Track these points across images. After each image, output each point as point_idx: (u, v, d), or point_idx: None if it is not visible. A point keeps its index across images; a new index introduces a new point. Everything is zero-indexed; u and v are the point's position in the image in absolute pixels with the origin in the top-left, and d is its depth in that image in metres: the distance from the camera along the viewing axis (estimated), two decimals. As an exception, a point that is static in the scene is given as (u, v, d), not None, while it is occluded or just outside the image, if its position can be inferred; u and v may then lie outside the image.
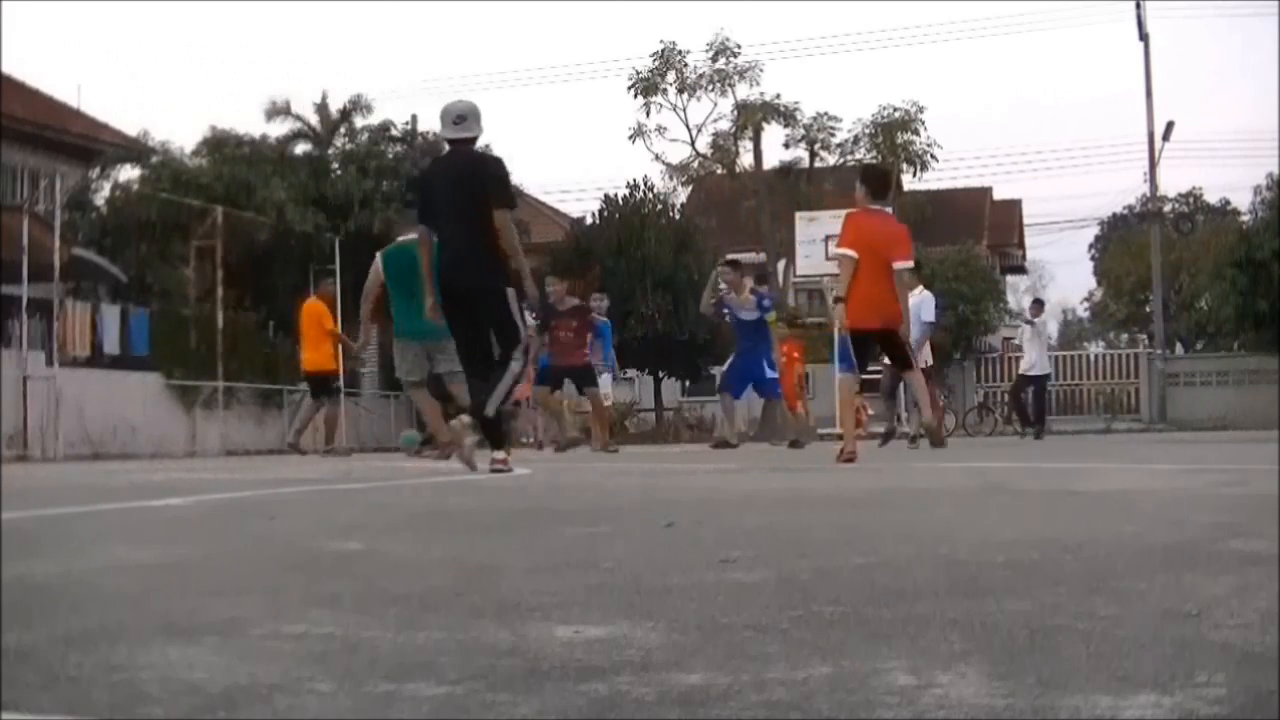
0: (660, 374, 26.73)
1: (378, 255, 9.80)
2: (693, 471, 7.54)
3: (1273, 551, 2.29)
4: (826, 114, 29.17)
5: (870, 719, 1.15)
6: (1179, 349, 33.68)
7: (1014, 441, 16.78)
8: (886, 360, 10.67)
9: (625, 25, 73.37)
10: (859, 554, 2.51)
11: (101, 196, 24.59)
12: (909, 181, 31.26)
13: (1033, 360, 17.14)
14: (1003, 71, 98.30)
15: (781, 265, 28.86)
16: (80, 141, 24.52)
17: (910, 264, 8.57)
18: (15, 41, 66.95)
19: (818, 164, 29.71)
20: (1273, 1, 32.82)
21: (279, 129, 27.77)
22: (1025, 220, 43.92)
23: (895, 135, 28.73)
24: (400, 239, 9.53)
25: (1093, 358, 33.14)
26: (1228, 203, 44.21)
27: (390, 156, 26.31)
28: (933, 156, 28.93)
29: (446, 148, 7.43)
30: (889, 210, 8.93)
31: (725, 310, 13.37)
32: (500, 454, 6.99)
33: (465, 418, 7.08)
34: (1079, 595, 1.84)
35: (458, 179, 7.08)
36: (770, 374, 13.45)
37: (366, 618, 1.75)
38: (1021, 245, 44.42)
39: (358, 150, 26.97)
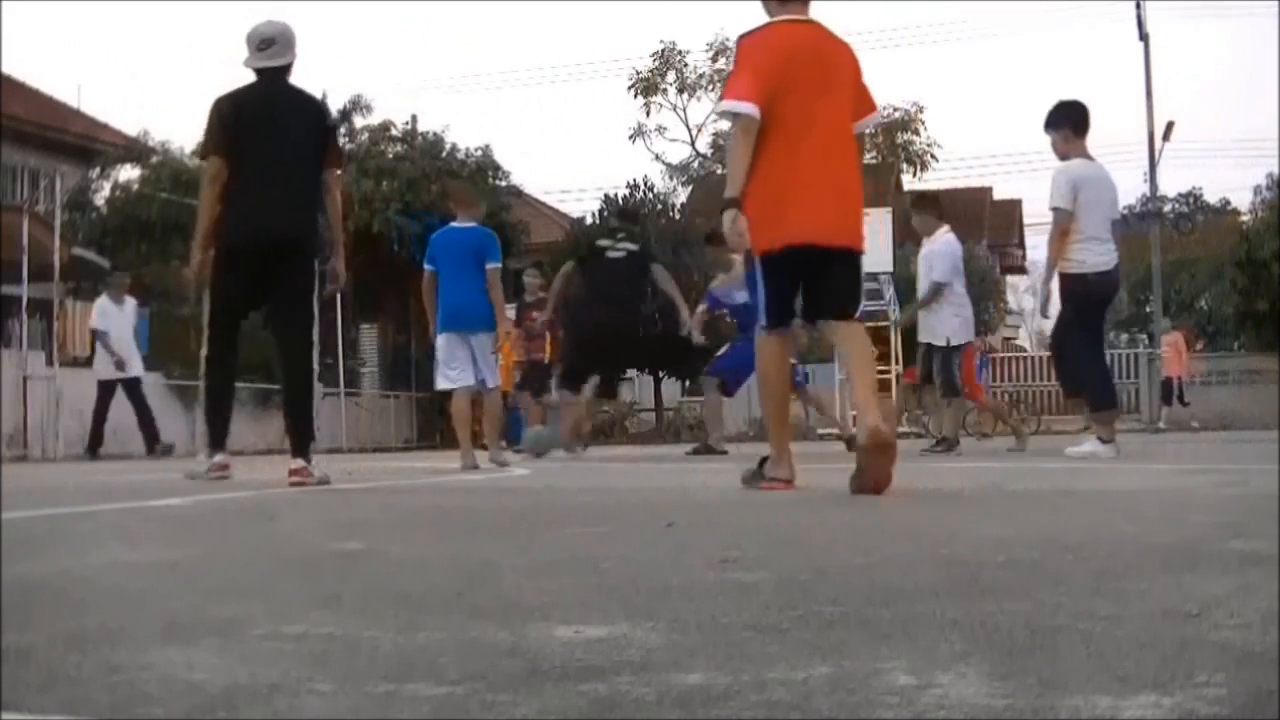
0: (660, 374, 26.73)
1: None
2: (693, 471, 7.54)
3: (1273, 551, 2.29)
4: (826, 114, 29.18)
5: (870, 719, 1.15)
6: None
7: (1012, 442, 16.79)
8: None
9: (625, 25, 73.49)
10: (859, 554, 2.51)
11: (101, 196, 24.59)
12: (909, 181, 31.30)
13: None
14: (1003, 71, 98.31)
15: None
16: (80, 141, 24.54)
17: (877, 116, 5.27)
18: (15, 41, 66.98)
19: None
20: (1273, 1, 32.84)
21: (279, 129, 27.74)
22: (1025, 220, 43.91)
23: (895, 135, 28.74)
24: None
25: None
26: (1228, 203, 44.25)
27: (390, 156, 26.31)
28: (933, 156, 28.98)
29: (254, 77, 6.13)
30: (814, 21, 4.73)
31: (721, 308, 11.40)
32: (299, 463, 5.82)
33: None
34: (1079, 595, 1.84)
35: (276, 116, 5.99)
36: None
37: (366, 618, 1.75)
38: (1021, 245, 44.42)
39: (358, 150, 26.97)
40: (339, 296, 23.37)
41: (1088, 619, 1.61)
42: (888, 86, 70.36)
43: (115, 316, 14.45)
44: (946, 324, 9.78)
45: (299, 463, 5.81)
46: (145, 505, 4.73)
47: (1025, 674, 1.29)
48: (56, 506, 4.79)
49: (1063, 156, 7.71)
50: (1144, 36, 28.58)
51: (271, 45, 6.06)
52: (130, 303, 15.00)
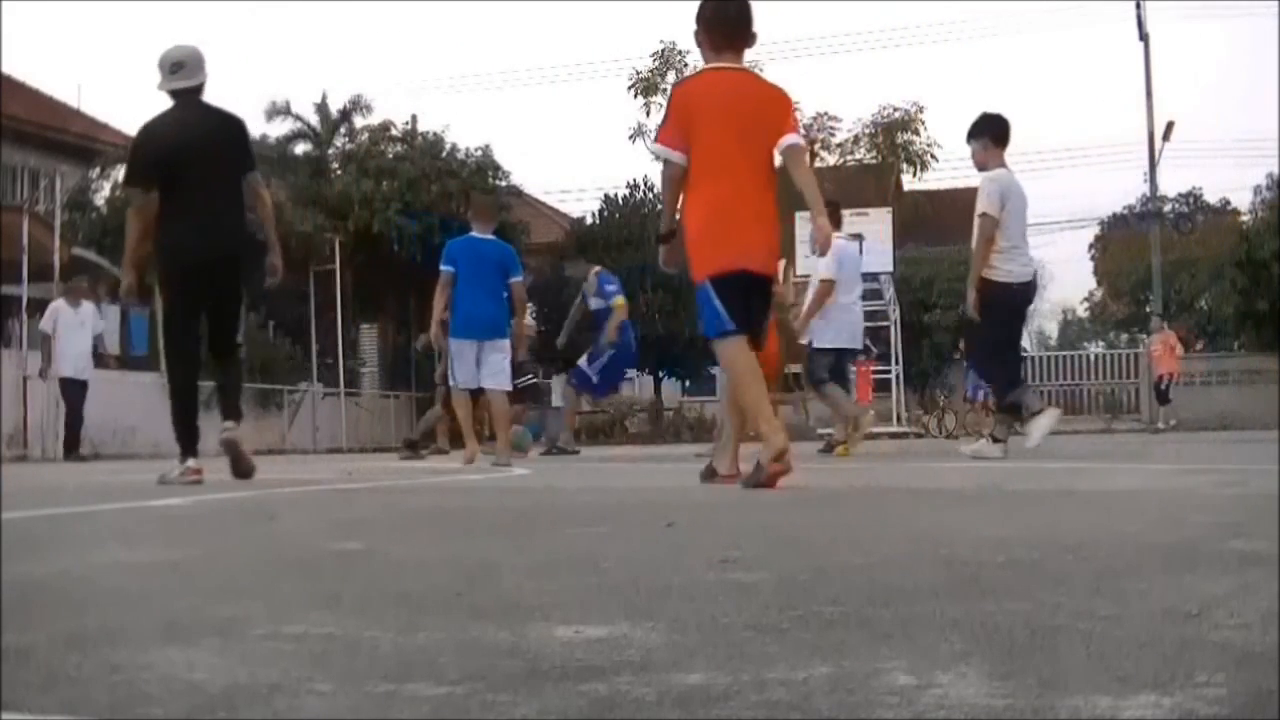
0: (660, 374, 26.74)
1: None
2: (693, 471, 7.54)
3: (1273, 551, 2.29)
4: (826, 114, 29.21)
5: (870, 719, 1.15)
6: (1179, 349, 33.66)
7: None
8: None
9: (625, 25, 73.42)
10: (859, 554, 2.51)
11: (101, 196, 24.60)
12: (909, 181, 31.28)
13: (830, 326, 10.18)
14: (1003, 71, 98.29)
15: (781, 265, 28.87)
16: (80, 141, 24.55)
17: (800, 141, 5.19)
18: (15, 41, 66.99)
19: (818, 164, 29.70)
20: (1273, 1, 32.84)
21: (279, 129, 27.81)
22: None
23: (895, 135, 28.73)
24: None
25: (1093, 358, 33.14)
26: (1228, 203, 44.24)
27: (390, 156, 26.32)
28: (933, 156, 28.96)
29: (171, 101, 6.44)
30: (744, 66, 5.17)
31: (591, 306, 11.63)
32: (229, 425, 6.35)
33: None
34: (1079, 595, 1.84)
35: (194, 138, 6.22)
36: (588, 370, 11.57)
37: (366, 618, 1.75)
38: (1022, 245, 44.35)
39: (358, 150, 26.98)
40: (339, 297, 23.47)
41: (1088, 619, 1.61)
42: (888, 86, 70.41)
43: (69, 321, 14.54)
44: (818, 327, 10.07)
45: (229, 425, 6.41)
46: (145, 505, 4.73)
47: (1025, 674, 1.29)
48: (56, 506, 4.79)
49: (981, 166, 7.87)
50: (1144, 36, 28.59)
51: (182, 68, 6.33)
52: (88, 307, 15.03)
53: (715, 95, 4.93)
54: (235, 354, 6.63)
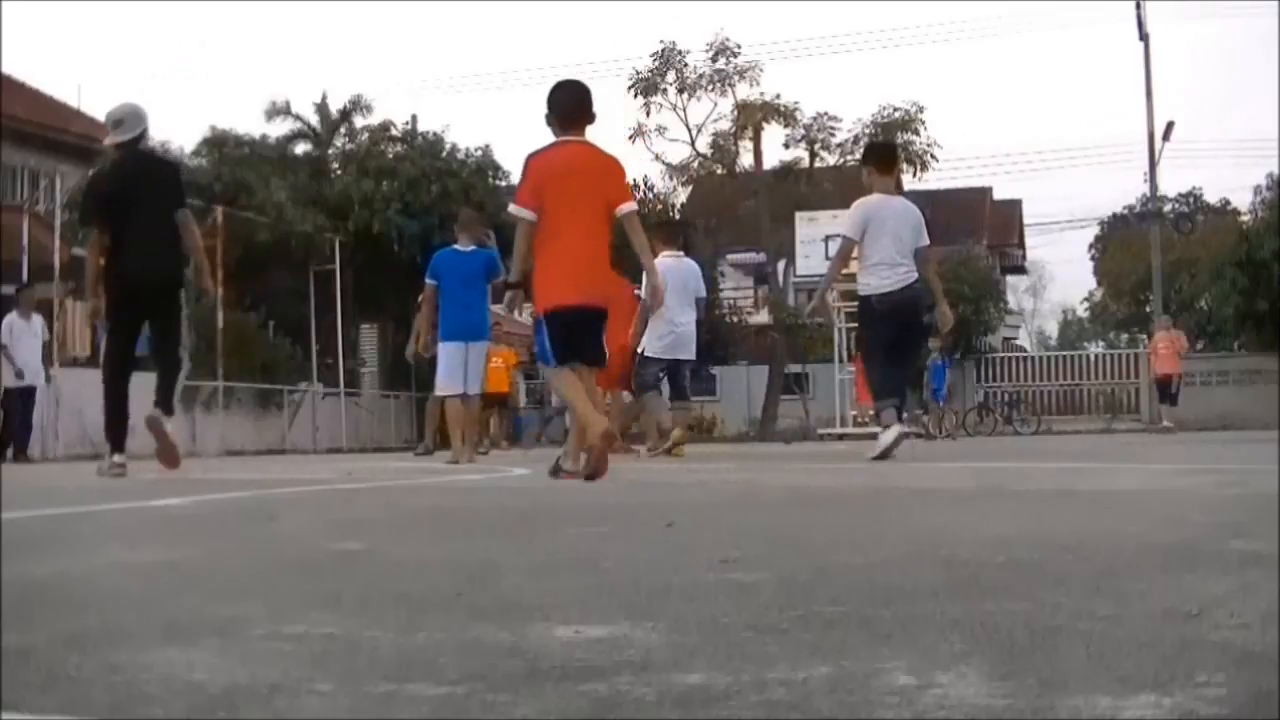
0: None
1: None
2: (693, 471, 7.54)
3: (1273, 551, 2.29)
4: (826, 114, 29.19)
5: (870, 719, 1.15)
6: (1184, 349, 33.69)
7: (1015, 442, 16.80)
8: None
9: (625, 25, 73.48)
10: (859, 554, 2.51)
11: (101, 196, 24.55)
12: (909, 181, 31.28)
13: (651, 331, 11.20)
14: (1003, 71, 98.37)
15: (781, 265, 28.88)
16: (80, 141, 24.50)
17: (633, 207, 6.26)
18: (15, 41, 66.99)
19: (818, 164, 29.71)
20: (1273, 1, 32.84)
21: (279, 129, 27.82)
22: (1025, 220, 43.96)
23: (895, 135, 28.71)
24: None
25: (1093, 358, 33.15)
26: (1228, 203, 44.29)
27: (390, 156, 26.33)
28: (933, 156, 28.93)
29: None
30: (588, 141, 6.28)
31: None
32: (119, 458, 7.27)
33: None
34: (1079, 595, 1.84)
35: (134, 183, 7.32)
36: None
37: (366, 618, 1.75)
38: (1021, 245, 44.49)
39: (358, 150, 26.98)
40: (339, 297, 23.47)
41: (1088, 619, 1.61)
42: (888, 86, 70.41)
43: (22, 332, 15.30)
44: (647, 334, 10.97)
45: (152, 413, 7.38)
46: (145, 505, 4.73)
47: (1025, 674, 1.29)
48: (56, 506, 4.79)
49: (868, 189, 8.51)
50: (1144, 36, 28.60)
51: (121, 124, 7.40)
52: (37, 319, 15.74)
53: (561, 165, 6.02)
54: (174, 356, 7.54)
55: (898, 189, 8.77)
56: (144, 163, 7.58)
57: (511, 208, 6.15)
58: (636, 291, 10.90)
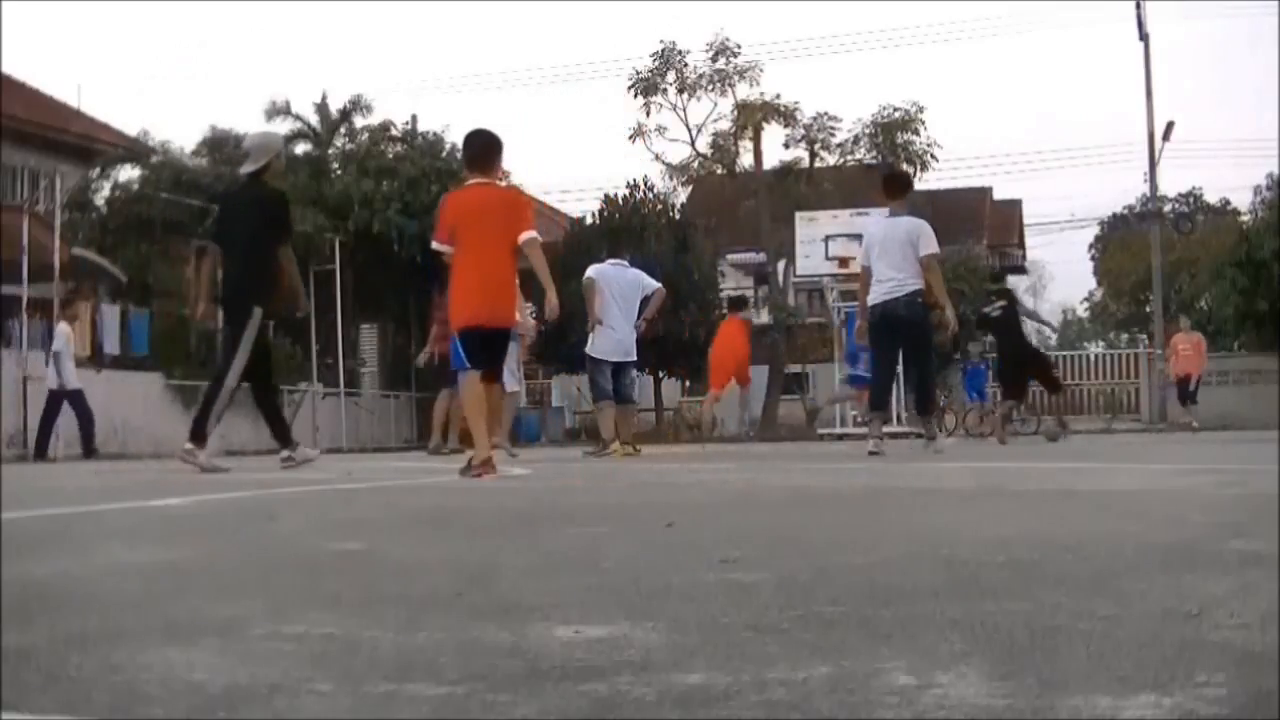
0: (660, 374, 26.73)
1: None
2: (693, 471, 7.54)
3: (1273, 551, 2.29)
4: (826, 114, 29.18)
5: (870, 719, 1.15)
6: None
7: (1015, 441, 16.82)
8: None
9: (625, 25, 73.47)
10: (859, 554, 2.51)
11: (101, 196, 24.59)
12: (909, 182, 31.25)
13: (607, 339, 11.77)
14: (1003, 71, 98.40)
15: (781, 265, 28.87)
16: (80, 141, 24.52)
17: (534, 234, 6.85)
18: (15, 41, 66.99)
19: (818, 164, 29.70)
20: (1273, 1, 32.83)
21: (279, 129, 27.79)
22: (1025, 220, 43.92)
23: (895, 135, 28.71)
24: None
25: (1093, 358, 33.14)
26: (1228, 203, 44.30)
27: (390, 156, 26.32)
28: (933, 156, 28.94)
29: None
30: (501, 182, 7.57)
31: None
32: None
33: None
34: (1079, 595, 1.84)
35: (240, 211, 8.17)
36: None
37: (366, 618, 1.75)
38: (1021, 245, 44.44)
39: (358, 150, 26.96)
40: (339, 297, 23.47)
41: (1088, 619, 1.61)
42: (888, 86, 70.36)
43: (68, 340, 15.95)
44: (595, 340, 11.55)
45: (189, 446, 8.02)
46: (145, 505, 4.73)
47: (1025, 674, 1.29)
48: (56, 506, 4.79)
49: (892, 211, 9.51)
50: (1144, 36, 28.56)
51: (249, 156, 8.32)
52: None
53: (471, 203, 6.88)
54: (219, 381, 8.26)
55: (899, 206, 9.57)
56: (258, 194, 8.10)
57: (433, 244, 7.08)
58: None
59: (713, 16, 76.06)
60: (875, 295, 9.06)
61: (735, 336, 16.21)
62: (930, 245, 9.09)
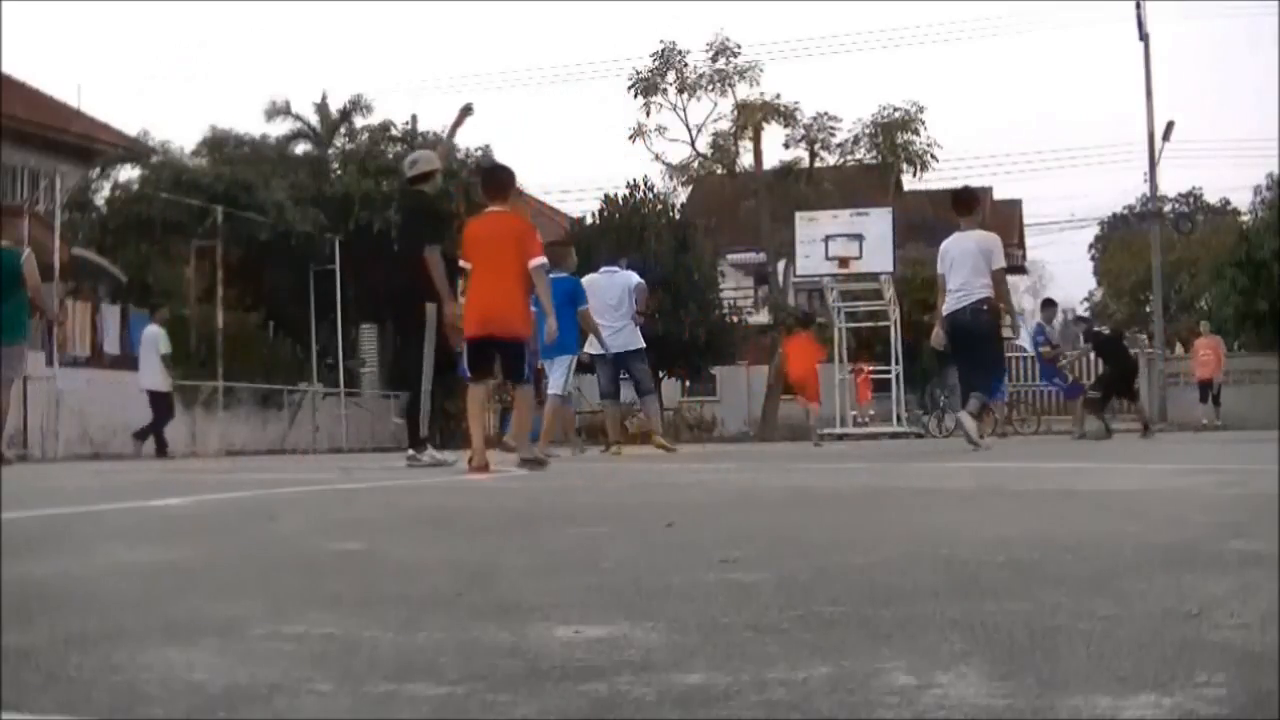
0: (660, 374, 26.72)
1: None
2: (693, 471, 7.55)
3: (1273, 551, 2.29)
4: (826, 114, 29.20)
5: (870, 719, 1.15)
6: (1179, 349, 33.66)
7: (1013, 441, 16.79)
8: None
9: (625, 25, 73.40)
10: (859, 554, 2.51)
11: (101, 196, 24.58)
12: (909, 181, 31.29)
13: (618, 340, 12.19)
14: (1003, 71, 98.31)
15: (781, 265, 28.88)
16: (80, 141, 24.51)
17: (541, 261, 7.88)
18: (15, 41, 66.98)
19: (818, 164, 29.71)
20: (1273, 1, 32.83)
21: (279, 129, 27.82)
22: (1025, 220, 43.92)
23: (895, 135, 28.72)
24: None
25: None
26: (1228, 203, 44.30)
27: (390, 156, 26.30)
28: (933, 156, 28.94)
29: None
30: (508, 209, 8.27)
31: None
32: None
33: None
34: (1079, 595, 1.84)
35: (414, 216, 9.01)
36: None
37: (366, 618, 1.75)
38: (1021, 245, 44.41)
39: (358, 150, 26.96)
40: (339, 297, 23.46)
41: (1088, 619, 1.61)
42: (888, 86, 70.31)
43: (159, 341, 16.60)
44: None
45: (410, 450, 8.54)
46: (145, 505, 4.73)
47: (1025, 674, 1.29)
48: (56, 506, 4.79)
49: (964, 226, 10.25)
50: (1144, 36, 28.55)
51: (413, 165, 9.07)
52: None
53: (486, 229, 7.87)
54: (416, 387, 8.69)
55: (969, 221, 10.35)
56: (418, 200, 9.03)
57: (459, 262, 7.99)
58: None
59: (713, 16, 76.09)
60: (950, 304, 9.93)
61: (806, 352, 17.45)
62: (1000, 260, 10.01)
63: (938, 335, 10.20)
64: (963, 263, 9.94)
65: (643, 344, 12.12)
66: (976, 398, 9.94)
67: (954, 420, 10.69)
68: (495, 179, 8.20)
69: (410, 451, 8.57)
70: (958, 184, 37.77)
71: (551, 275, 10.68)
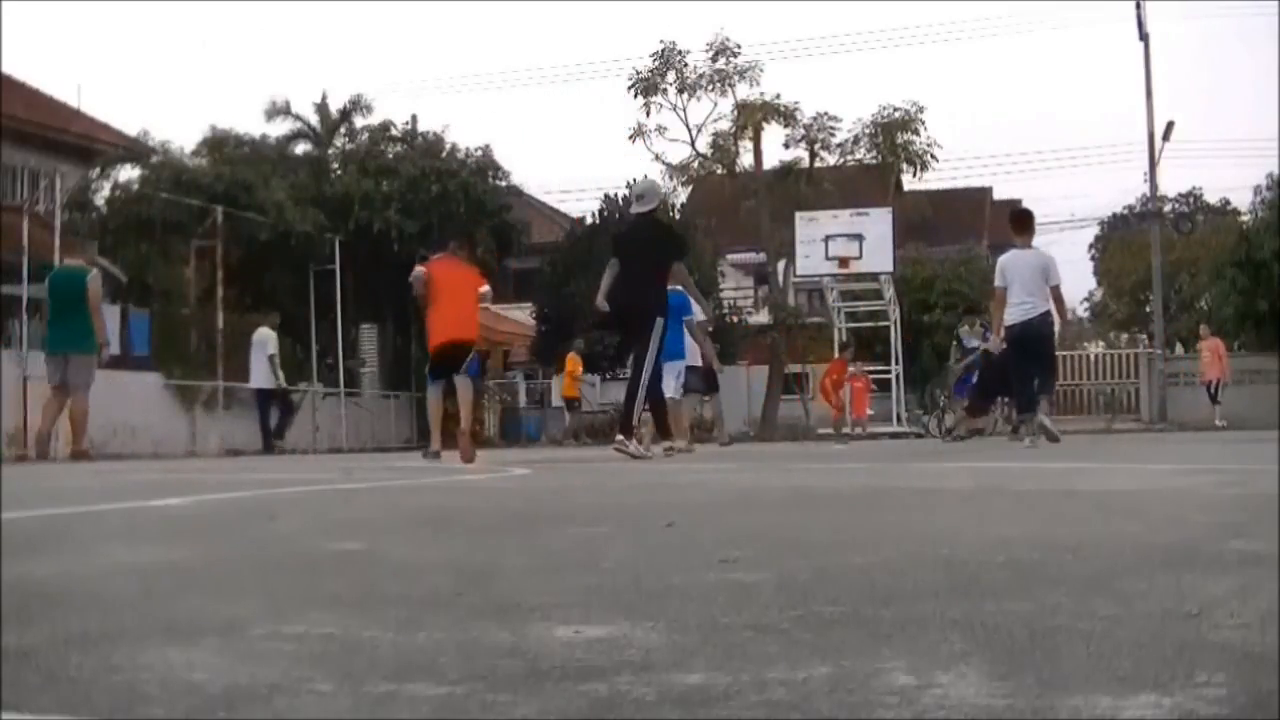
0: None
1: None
2: (693, 471, 7.54)
3: (1273, 551, 2.29)
4: (826, 114, 29.18)
5: (870, 719, 1.15)
6: (1179, 349, 33.66)
7: (1012, 441, 16.83)
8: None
9: (625, 25, 73.44)
10: (859, 554, 2.51)
11: (101, 196, 24.58)
12: (909, 181, 31.28)
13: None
14: (1003, 71, 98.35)
15: (781, 265, 28.87)
16: (80, 141, 24.53)
17: (486, 289, 10.77)
18: (15, 41, 66.97)
19: (818, 164, 29.69)
20: (1273, 1, 32.82)
21: (279, 129, 27.85)
22: (1025, 220, 43.83)
23: (895, 135, 28.71)
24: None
25: (1093, 358, 33.13)
26: (1228, 203, 44.27)
27: (390, 156, 26.32)
28: (933, 156, 28.93)
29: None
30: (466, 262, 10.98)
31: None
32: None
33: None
34: (1079, 595, 1.83)
35: (643, 241, 10.20)
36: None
37: (366, 618, 1.75)
38: (1021, 245, 44.35)
39: (358, 150, 26.96)
40: (339, 298, 23.46)
41: (1088, 619, 1.61)
42: (888, 86, 70.31)
43: (272, 343, 18.11)
44: None
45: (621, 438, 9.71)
46: (145, 505, 4.73)
47: (1025, 674, 1.29)
48: (56, 506, 4.79)
49: (1021, 244, 11.17)
50: (1144, 36, 28.55)
51: (642, 198, 10.39)
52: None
53: (444, 268, 10.46)
54: (638, 376, 9.81)
55: (1026, 242, 11.19)
56: (650, 227, 10.37)
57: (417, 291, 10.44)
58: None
59: (713, 16, 76.12)
60: (1013, 315, 10.81)
61: (840, 372, 20.29)
62: (1058, 276, 10.95)
63: (997, 342, 11.46)
64: (1024, 278, 10.80)
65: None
66: (1045, 397, 10.86)
67: (1017, 421, 11.91)
68: (460, 235, 11.48)
69: (619, 438, 9.63)
70: (957, 184, 37.77)
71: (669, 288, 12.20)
